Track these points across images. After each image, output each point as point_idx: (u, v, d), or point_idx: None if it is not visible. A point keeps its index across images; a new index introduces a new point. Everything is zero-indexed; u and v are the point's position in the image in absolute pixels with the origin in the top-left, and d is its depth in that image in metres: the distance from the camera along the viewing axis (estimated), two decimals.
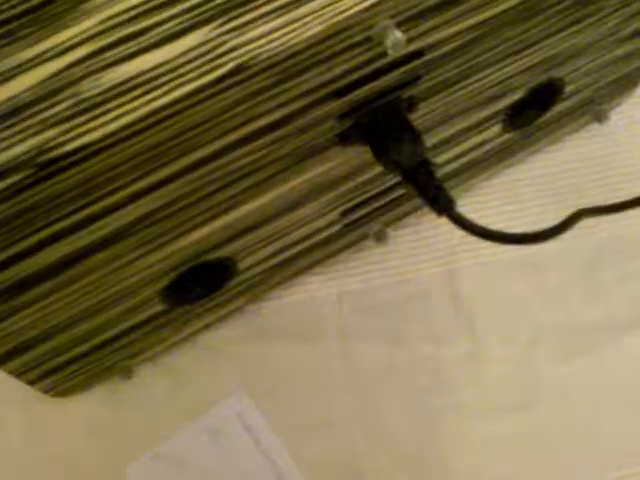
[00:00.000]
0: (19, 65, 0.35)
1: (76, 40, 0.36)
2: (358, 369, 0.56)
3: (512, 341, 0.57)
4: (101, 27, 0.36)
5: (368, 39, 0.37)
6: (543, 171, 0.61)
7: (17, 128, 0.34)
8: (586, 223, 0.56)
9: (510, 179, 0.61)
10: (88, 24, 0.36)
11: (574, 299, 0.58)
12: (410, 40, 0.39)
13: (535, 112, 0.55)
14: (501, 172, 0.60)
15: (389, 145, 0.43)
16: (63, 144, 0.33)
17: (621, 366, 0.56)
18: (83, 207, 0.37)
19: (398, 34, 0.36)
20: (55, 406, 0.55)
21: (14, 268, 0.38)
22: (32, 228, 0.36)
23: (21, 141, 0.33)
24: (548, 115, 0.56)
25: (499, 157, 0.57)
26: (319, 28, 0.35)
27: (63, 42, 0.36)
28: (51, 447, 0.54)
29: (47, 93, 0.35)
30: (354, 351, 0.57)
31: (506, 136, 0.55)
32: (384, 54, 0.39)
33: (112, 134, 0.33)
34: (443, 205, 0.42)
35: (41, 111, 0.34)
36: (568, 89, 0.54)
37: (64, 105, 0.34)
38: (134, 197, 0.38)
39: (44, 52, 0.36)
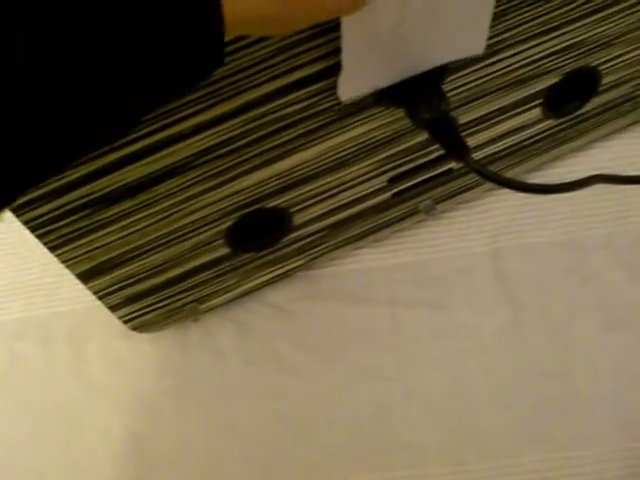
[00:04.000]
0: None
1: None
2: (402, 331, 0.65)
3: (550, 314, 0.64)
4: None
5: None
6: (588, 166, 0.68)
7: None
8: (628, 212, 0.64)
9: (555, 172, 0.68)
10: None
11: (613, 280, 0.65)
12: None
13: (574, 101, 0.63)
14: (547, 165, 0.68)
15: (419, 105, 0.52)
16: None
17: None
18: (154, 132, 0.48)
19: None
20: (132, 344, 0.66)
21: (97, 183, 0.49)
22: (112, 145, 0.47)
23: None
24: (590, 107, 0.64)
25: (545, 146, 0.66)
26: None
27: None
28: (125, 380, 0.65)
29: None
30: (400, 315, 0.65)
31: (548, 123, 0.63)
32: None
33: None
34: (460, 153, 0.50)
35: None
36: (605, 80, 0.62)
37: None
38: (193, 131, 0.49)
39: None
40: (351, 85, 0.50)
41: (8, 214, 0.49)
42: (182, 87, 0.34)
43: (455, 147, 0.51)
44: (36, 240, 0.52)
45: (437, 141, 0.52)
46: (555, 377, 0.62)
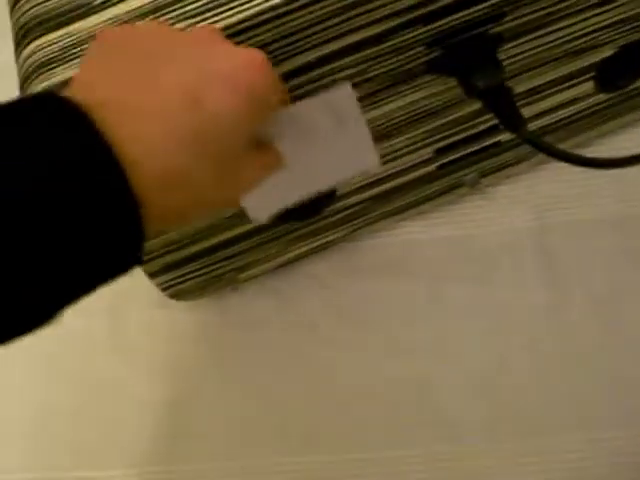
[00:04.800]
0: None
1: None
2: (442, 307, 0.64)
3: (594, 293, 0.62)
4: None
5: None
6: (636, 142, 0.67)
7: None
8: None
9: (601, 148, 0.67)
10: None
11: None
12: None
13: (628, 75, 0.61)
14: (595, 140, 0.66)
15: (473, 73, 0.51)
16: None
17: None
18: None
19: None
20: (169, 312, 0.65)
21: None
22: None
23: None
24: None
25: (595, 120, 0.64)
26: None
27: None
28: (162, 349, 0.65)
29: None
30: (441, 291, 0.64)
31: (600, 97, 0.62)
32: None
33: (228, 27, 0.44)
34: (515, 124, 0.49)
35: (177, 9, 0.45)
36: None
37: (194, 5, 0.45)
38: None
39: None
40: (258, 210, 0.49)
41: None
42: (99, 283, 0.34)
43: (511, 118, 0.50)
44: None
45: (492, 111, 0.50)
46: (598, 357, 0.61)
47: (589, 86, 0.60)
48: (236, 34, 0.44)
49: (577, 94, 0.61)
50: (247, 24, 0.43)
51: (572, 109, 0.62)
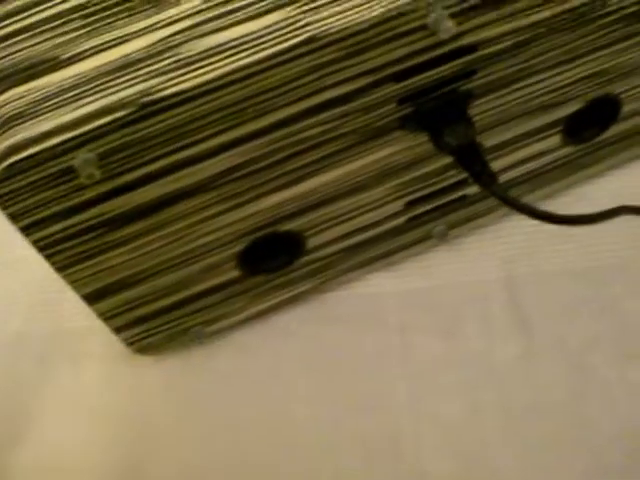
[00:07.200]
0: (135, 32, 0.46)
1: (182, 15, 0.46)
2: (413, 360, 0.63)
3: (566, 345, 0.62)
4: (203, 6, 0.46)
5: (424, 27, 0.46)
6: (601, 194, 0.67)
7: (128, 77, 0.44)
8: None
9: (568, 200, 0.67)
10: (194, 3, 0.46)
11: (630, 310, 0.63)
12: (463, 33, 0.47)
13: (594, 128, 0.62)
14: (561, 192, 0.67)
15: (445, 130, 0.51)
16: (162, 90, 0.43)
17: None
18: (173, 152, 0.46)
19: (448, 23, 0.45)
20: (132, 366, 0.64)
21: (111, 203, 0.47)
22: (129, 165, 0.45)
23: (130, 86, 0.44)
24: (609, 134, 0.63)
25: (561, 172, 0.64)
26: (380, 11, 0.44)
27: (172, 16, 0.46)
28: (125, 405, 0.63)
29: (154, 53, 0.45)
30: (411, 343, 0.64)
31: (567, 150, 0.62)
32: (440, 44, 0.47)
33: (201, 85, 0.43)
34: (485, 179, 0.49)
35: (148, 65, 0.44)
36: (626, 109, 0.61)
37: (166, 62, 0.44)
38: (216, 151, 0.47)
39: (155, 23, 0.46)
40: None
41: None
42: None
43: (481, 174, 0.50)
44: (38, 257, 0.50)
45: (463, 167, 0.50)
46: (570, 408, 0.60)
47: (556, 140, 0.61)
48: (205, 94, 0.43)
49: (545, 147, 0.61)
50: (215, 84, 0.43)
51: (540, 162, 0.62)
